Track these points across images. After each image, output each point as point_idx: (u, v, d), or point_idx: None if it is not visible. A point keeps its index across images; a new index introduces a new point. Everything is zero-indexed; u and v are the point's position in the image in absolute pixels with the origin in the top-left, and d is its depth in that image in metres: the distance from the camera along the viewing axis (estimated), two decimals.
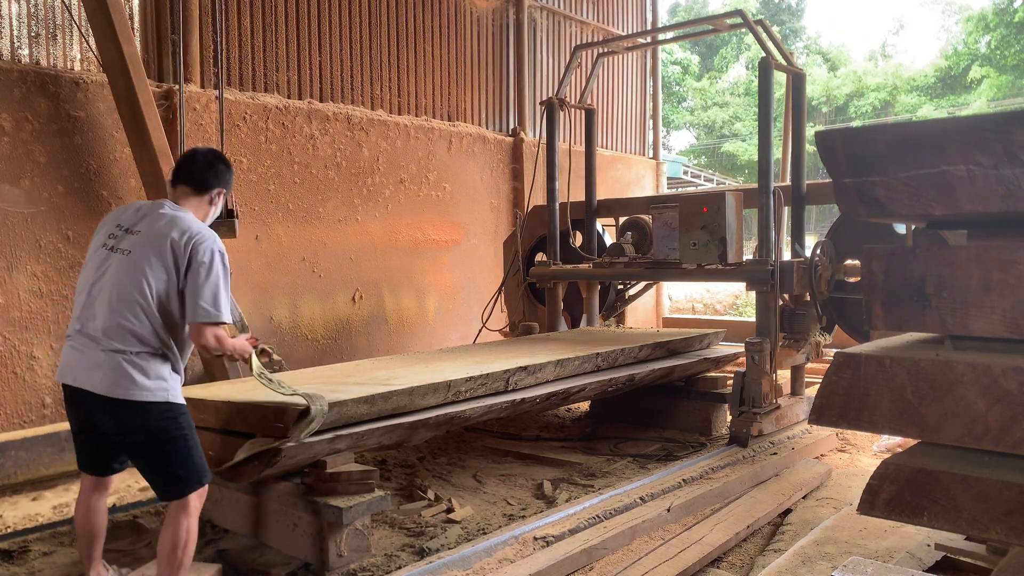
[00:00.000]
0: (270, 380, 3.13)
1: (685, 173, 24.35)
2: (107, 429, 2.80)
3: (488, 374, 3.97)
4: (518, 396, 4.14)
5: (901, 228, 5.36)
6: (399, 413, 3.57)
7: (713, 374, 5.68)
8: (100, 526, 3.04)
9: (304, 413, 3.07)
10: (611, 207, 7.09)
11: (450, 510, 3.97)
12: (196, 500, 2.82)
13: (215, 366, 5.59)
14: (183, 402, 2.86)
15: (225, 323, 2.82)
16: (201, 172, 3.03)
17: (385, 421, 3.51)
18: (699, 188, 21.96)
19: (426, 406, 3.69)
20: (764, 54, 5.28)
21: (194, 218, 2.93)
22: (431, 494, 4.19)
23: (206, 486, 2.87)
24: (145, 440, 2.76)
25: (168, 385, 2.78)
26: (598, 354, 4.75)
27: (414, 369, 4.18)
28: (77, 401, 2.80)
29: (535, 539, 3.37)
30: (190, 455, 2.81)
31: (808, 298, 5.43)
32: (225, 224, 4.48)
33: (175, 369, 2.86)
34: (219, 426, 3.32)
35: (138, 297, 2.74)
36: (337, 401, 3.21)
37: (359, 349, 7.26)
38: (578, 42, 9.79)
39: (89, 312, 2.79)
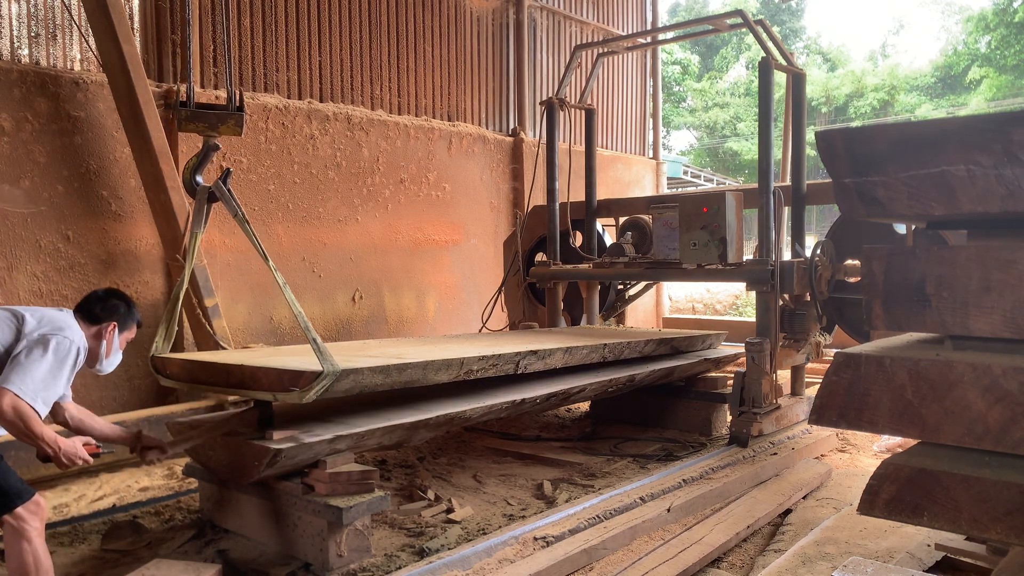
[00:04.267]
0: None
1: (685, 173, 24.32)
2: None
3: (499, 355, 3.99)
4: (518, 396, 4.14)
5: (901, 228, 5.36)
6: (410, 389, 3.59)
7: (713, 374, 5.68)
8: None
9: (318, 375, 3.09)
10: (611, 207, 7.08)
11: (450, 510, 3.97)
12: (32, 520, 2.69)
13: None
14: None
15: (33, 408, 2.70)
16: (90, 304, 3.05)
17: (386, 421, 3.52)
18: (699, 188, 21.94)
19: (439, 382, 3.71)
20: (764, 54, 5.28)
21: (68, 319, 2.93)
22: (431, 494, 4.19)
23: (39, 504, 2.75)
24: None
25: None
26: (605, 345, 4.78)
27: (422, 349, 4.19)
28: None
29: (535, 539, 3.36)
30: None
31: (808, 298, 5.42)
32: (234, 118, 4.09)
33: None
34: (230, 389, 3.36)
35: None
36: (353, 368, 3.21)
37: None
38: (578, 42, 9.79)
39: None
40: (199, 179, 4.06)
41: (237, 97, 4.06)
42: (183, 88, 4.09)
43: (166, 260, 5.76)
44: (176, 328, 3.70)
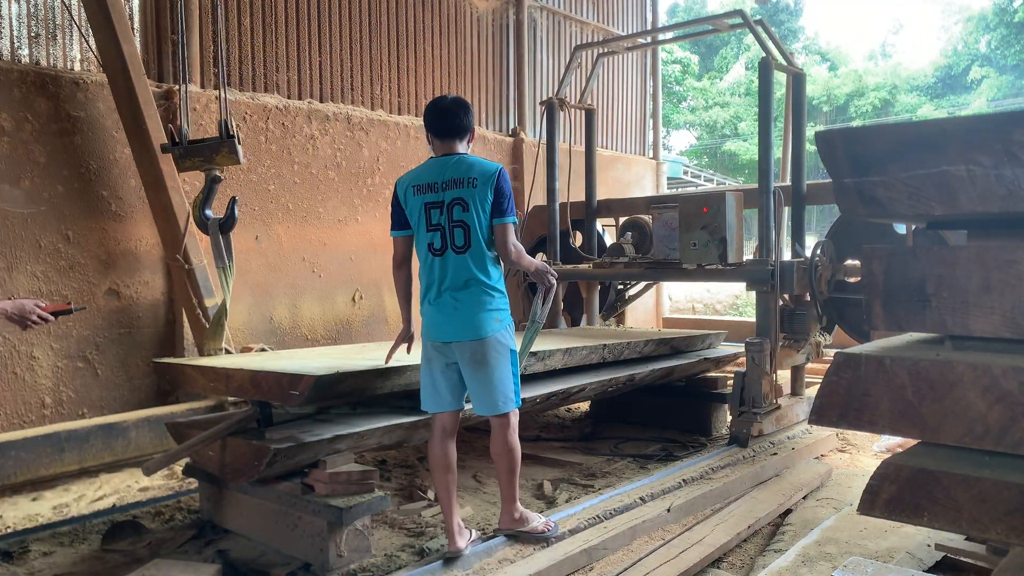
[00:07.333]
0: None
1: (685, 173, 24.35)
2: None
3: None
4: None
5: (901, 228, 5.36)
6: (411, 390, 3.60)
7: (713, 374, 5.68)
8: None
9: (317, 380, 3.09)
10: (611, 207, 7.09)
11: None
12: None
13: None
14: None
15: None
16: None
17: (386, 421, 3.52)
18: (699, 188, 21.95)
19: None
20: (764, 54, 5.28)
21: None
22: (431, 494, 4.19)
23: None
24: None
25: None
26: (604, 345, 4.78)
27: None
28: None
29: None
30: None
31: (808, 298, 5.42)
32: (226, 144, 4.08)
33: None
34: (230, 394, 3.37)
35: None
36: (355, 371, 3.21)
37: None
38: (578, 42, 9.79)
39: None
40: (208, 212, 4.06)
41: (228, 125, 4.06)
42: (177, 127, 4.12)
43: (166, 260, 5.76)
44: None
